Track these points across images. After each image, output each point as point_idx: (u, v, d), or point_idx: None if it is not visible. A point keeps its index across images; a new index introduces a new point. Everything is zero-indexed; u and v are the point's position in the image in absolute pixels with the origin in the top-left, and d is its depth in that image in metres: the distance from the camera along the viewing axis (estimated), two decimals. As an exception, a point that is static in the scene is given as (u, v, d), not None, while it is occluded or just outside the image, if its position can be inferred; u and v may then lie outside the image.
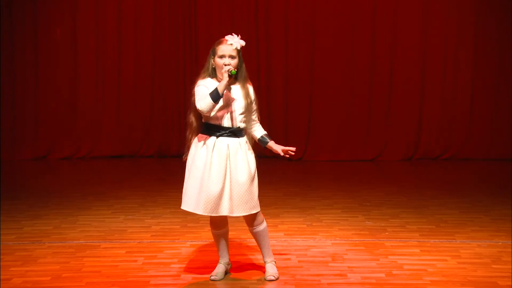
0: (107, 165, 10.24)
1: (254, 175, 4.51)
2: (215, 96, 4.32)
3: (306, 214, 6.64)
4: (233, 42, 4.45)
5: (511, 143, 10.40)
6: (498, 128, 10.48)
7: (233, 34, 4.49)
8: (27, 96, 10.59)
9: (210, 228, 4.69)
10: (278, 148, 4.60)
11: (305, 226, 6.20)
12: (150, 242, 5.66)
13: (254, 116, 4.61)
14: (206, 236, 5.76)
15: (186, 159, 4.55)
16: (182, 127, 10.70)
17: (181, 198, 4.53)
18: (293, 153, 4.62)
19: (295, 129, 10.57)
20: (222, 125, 4.45)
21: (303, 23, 10.50)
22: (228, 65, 4.39)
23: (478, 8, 10.36)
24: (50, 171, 9.79)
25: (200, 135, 4.51)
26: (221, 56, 4.43)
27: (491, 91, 10.49)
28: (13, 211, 6.78)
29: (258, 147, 4.66)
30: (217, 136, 4.45)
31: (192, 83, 4.65)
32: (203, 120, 4.51)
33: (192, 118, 4.55)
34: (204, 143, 4.46)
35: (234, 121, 4.47)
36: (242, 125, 4.51)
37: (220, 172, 4.41)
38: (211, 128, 4.47)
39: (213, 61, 4.49)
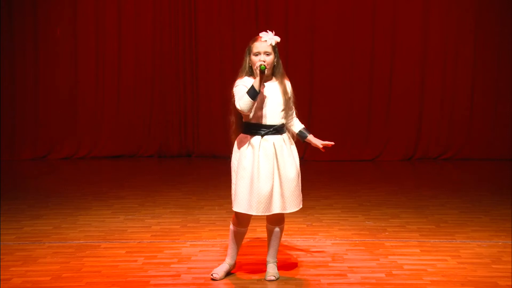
0: (107, 165, 10.24)
1: (299, 169, 4.53)
2: (252, 93, 4.31)
3: (306, 214, 6.64)
4: (267, 39, 4.44)
5: (511, 143, 10.39)
6: (498, 128, 10.47)
7: (267, 31, 4.49)
8: (27, 96, 10.59)
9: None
10: (318, 142, 4.59)
11: (305, 226, 6.20)
12: (150, 242, 5.66)
13: (292, 111, 4.62)
14: (206, 236, 5.76)
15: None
16: (182, 127, 10.71)
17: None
18: (330, 147, 4.57)
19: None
20: (265, 123, 4.46)
21: (303, 23, 10.50)
22: (264, 61, 4.37)
23: (478, 8, 10.36)
24: (50, 171, 9.79)
25: (242, 135, 4.51)
26: (256, 54, 4.42)
27: (491, 91, 10.48)
28: (13, 211, 6.78)
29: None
30: (262, 135, 4.45)
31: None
32: (244, 120, 4.50)
33: (233, 119, 4.55)
34: (249, 143, 4.45)
35: (276, 118, 4.48)
36: (283, 121, 4.52)
37: (268, 171, 4.41)
38: (254, 127, 4.46)
39: (249, 59, 4.47)
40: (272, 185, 4.42)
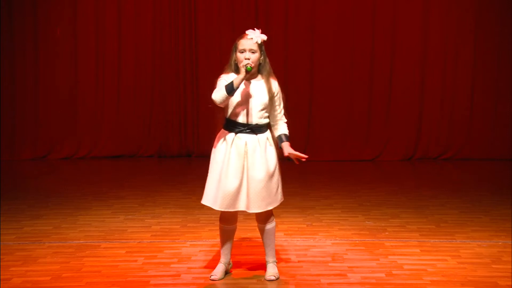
0: (107, 165, 10.24)
1: (273, 172, 4.50)
2: (230, 88, 4.33)
3: (306, 214, 6.64)
4: (253, 36, 4.45)
5: (511, 143, 10.39)
6: (498, 128, 10.48)
7: (254, 28, 4.50)
8: (27, 96, 10.59)
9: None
10: (286, 151, 4.52)
11: (305, 226, 6.19)
12: (150, 242, 5.66)
13: (278, 112, 4.58)
14: (206, 236, 5.76)
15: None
16: (182, 127, 10.71)
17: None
18: (303, 160, 4.52)
19: (295, 129, 10.49)
20: (241, 121, 4.47)
21: (303, 23, 10.50)
22: (248, 59, 4.38)
23: (478, 8, 10.36)
24: (50, 171, 9.79)
25: (222, 130, 4.54)
26: (242, 51, 4.43)
27: (491, 91, 10.48)
28: (13, 211, 6.78)
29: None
30: (236, 133, 4.47)
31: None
32: (226, 116, 4.52)
33: (218, 114, 4.57)
34: (224, 139, 4.48)
35: (251, 118, 4.47)
36: (261, 121, 4.50)
37: (237, 169, 4.43)
38: (231, 124, 4.49)
39: (235, 56, 4.48)
40: (240, 183, 4.43)
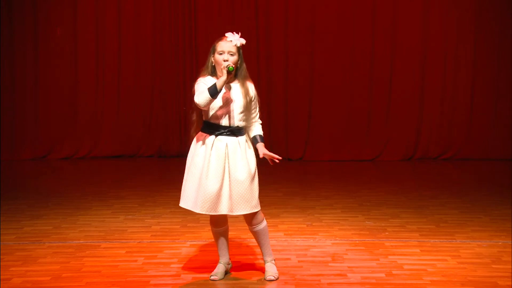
0: (107, 165, 10.24)
1: (254, 174, 4.50)
2: (213, 90, 4.33)
3: (306, 214, 6.64)
4: (232, 39, 4.45)
5: (511, 143, 10.40)
6: (498, 128, 10.48)
7: (233, 32, 4.50)
8: (27, 96, 10.59)
9: (210, 228, 4.70)
10: (261, 152, 4.51)
11: (305, 226, 6.20)
12: (150, 242, 5.66)
13: (254, 115, 4.59)
14: (206, 236, 5.76)
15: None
16: (182, 127, 10.71)
17: (180, 197, 4.54)
18: (277, 161, 4.50)
19: (295, 129, 10.55)
20: (221, 124, 4.46)
21: (303, 23, 10.50)
22: (227, 61, 4.39)
23: (478, 8, 10.36)
24: (50, 171, 9.79)
25: (200, 133, 4.53)
26: (221, 53, 4.44)
27: (491, 91, 10.49)
28: (13, 211, 6.78)
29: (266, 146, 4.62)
30: (216, 135, 4.46)
31: (192, 83, 4.66)
32: (204, 119, 4.52)
33: (194, 116, 4.58)
34: (204, 142, 4.47)
35: (232, 120, 4.47)
36: (241, 124, 4.50)
37: (218, 171, 4.41)
38: (210, 126, 4.48)
39: (213, 58, 4.49)
40: (221, 186, 4.41)
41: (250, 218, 4.57)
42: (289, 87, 10.55)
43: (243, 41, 4.49)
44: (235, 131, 4.48)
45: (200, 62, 10.61)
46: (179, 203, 4.55)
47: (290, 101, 10.57)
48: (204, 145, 4.46)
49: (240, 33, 4.51)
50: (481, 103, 10.51)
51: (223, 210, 4.43)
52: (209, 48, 4.58)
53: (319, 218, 6.51)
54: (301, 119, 10.58)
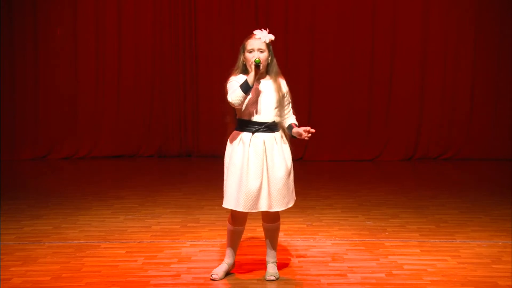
0: (107, 165, 10.23)
1: (291, 169, 4.55)
2: (245, 87, 4.33)
3: (306, 214, 6.64)
4: (261, 36, 4.45)
5: (511, 143, 10.40)
6: (498, 128, 10.48)
7: (262, 29, 4.50)
8: (27, 96, 10.59)
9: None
10: (301, 129, 4.48)
11: (305, 226, 6.20)
12: (150, 242, 5.66)
13: (287, 110, 4.64)
14: (206, 236, 5.76)
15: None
16: (182, 127, 10.70)
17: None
18: (312, 132, 4.46)
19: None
20: (257, 120, 4.47)
21: (303, 23, 10.50)
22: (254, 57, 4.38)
23: (478, 8, 10.36)
24: (50, 171, 9.79)
25: (234, 132, 4.53)
26: (250, 51, 4.44)
27: (491, 91, 10.48)
28: (13, 211, 6.78)
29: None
30: (253, 132, 4.46)
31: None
32: (237, 117, 4.52)
33: (227, 118, 4.58)
34: (240, 140, 4.47)
35: (268, 116, 4.48)
36: (276, 119, 4.52)
37: (257, 168, 4.43)
38: (246, 124, 4.48)
39: (243, 56, 4.48)
40: (261, 182, 4.43)
41: (271, 216, 4.59)
42: (289, 87, 10.51)
43: (272, 37, 4.48)
44: (271, 127, 4.49)
45: (200, 62, 10.63)
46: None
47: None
48: (242, 143, 4.46)
49: (268, 29, 4.50)
50: (481, 103, 10.51)
51: (262, 206, 4.45)
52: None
53: (319, 218, 6.51)
54: (301, 119, 10.50)
